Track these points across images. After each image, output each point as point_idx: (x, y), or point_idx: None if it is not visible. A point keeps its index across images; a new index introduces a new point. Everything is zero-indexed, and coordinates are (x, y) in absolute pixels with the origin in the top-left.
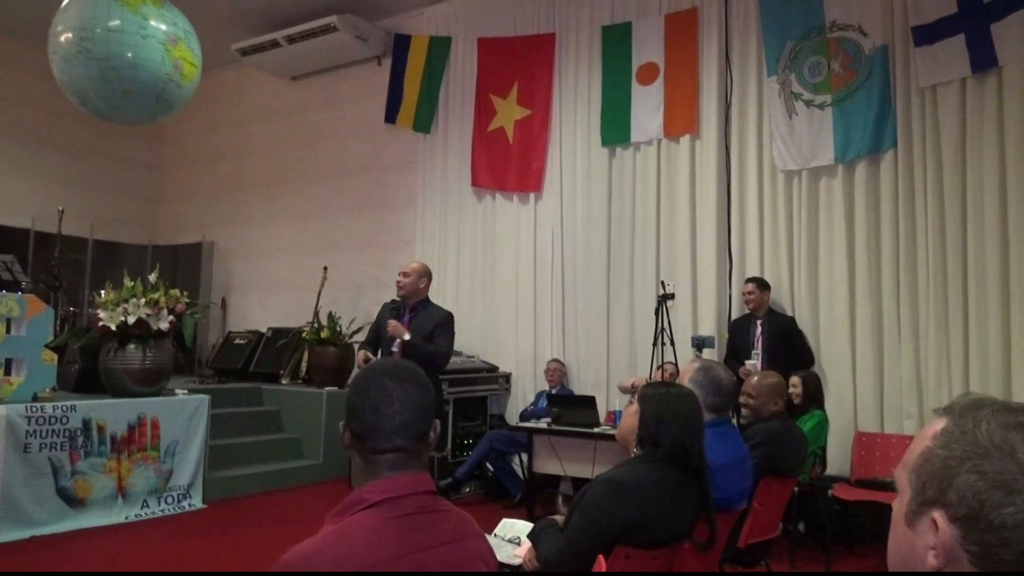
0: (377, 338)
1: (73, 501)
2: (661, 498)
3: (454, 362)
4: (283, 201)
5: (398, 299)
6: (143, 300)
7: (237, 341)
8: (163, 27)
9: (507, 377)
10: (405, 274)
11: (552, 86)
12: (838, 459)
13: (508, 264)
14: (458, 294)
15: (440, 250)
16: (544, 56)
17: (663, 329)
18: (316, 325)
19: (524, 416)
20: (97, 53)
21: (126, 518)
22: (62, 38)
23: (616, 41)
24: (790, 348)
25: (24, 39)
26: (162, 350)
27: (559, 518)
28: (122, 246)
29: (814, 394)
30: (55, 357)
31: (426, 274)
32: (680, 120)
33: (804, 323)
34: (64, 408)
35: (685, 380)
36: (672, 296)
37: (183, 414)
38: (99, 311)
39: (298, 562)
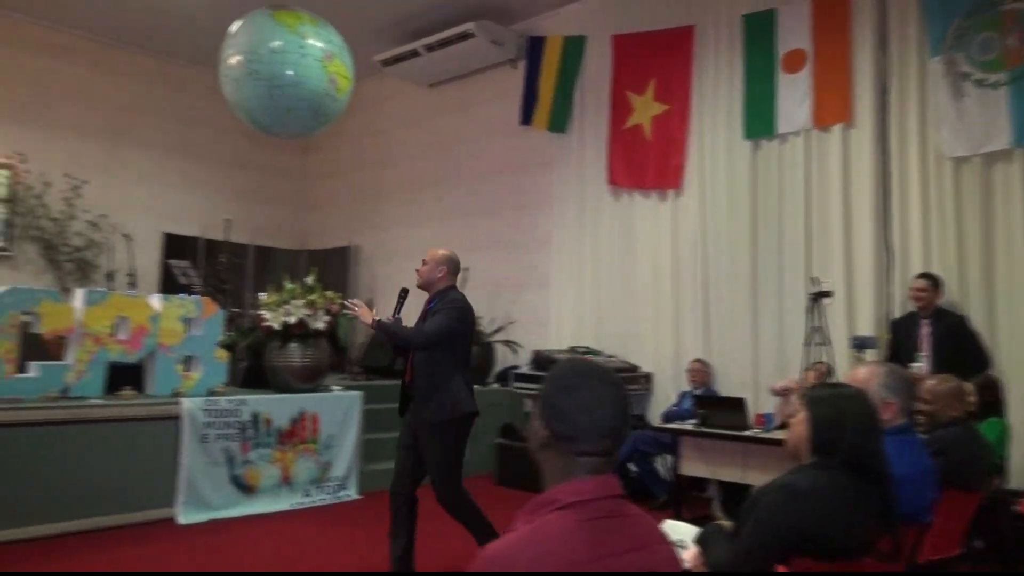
0: None
1: (244, 488)
2: (840, 507)
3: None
4: (422, 205)
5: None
6: (302, 301)
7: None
8: (319, 44)
9: (647, 377)
10: (424, 261)
11: (691, 79)
12: (1022, 471)
13: (647, 263)
14: (597, 294)
15: (577, 250)
16: (682, 49)
17: (817, 328)
18: None
19: (668, 417)
20: (263, 73)
21: (291, 505)
22: (232, 61)
23: (759, 29)
24: (961, 350)
25: (196, 64)
26: (319, 349)
27: (725, 523)
28: (276, 251)
29: (992, 400)
30: (226, 355)
31: (445, 262)
32: (831, 109)
33: (978, 323)
34: (236, 402)
35: (871, 385)
36: (829, 294)
37: (339, 409)
38: (264, 312)
39: (499, 560)
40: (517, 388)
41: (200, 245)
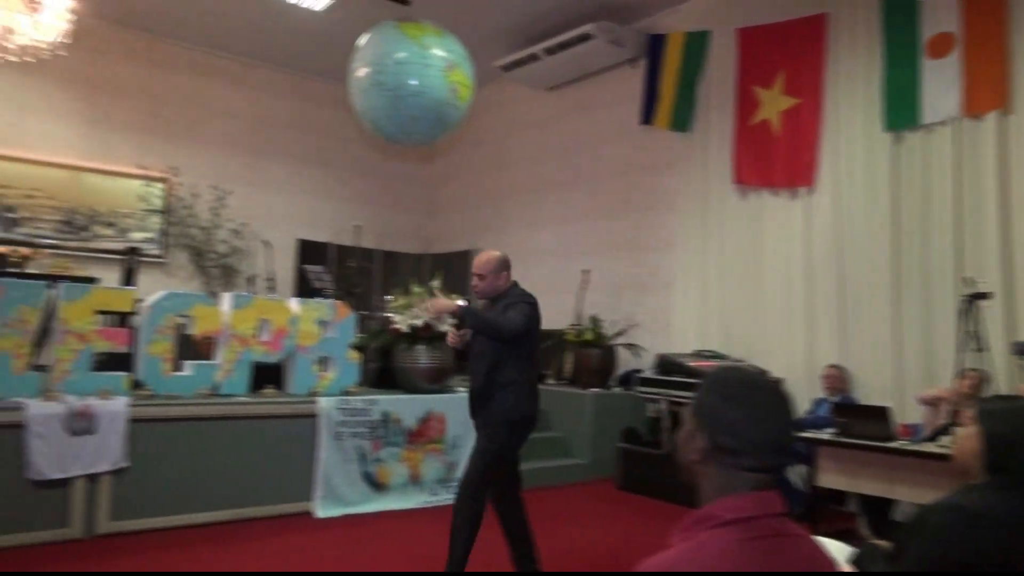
0: None
1: (376, 485)
2: (1019, 533)
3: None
4: (542, 208)
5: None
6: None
7: None
8: (442, 54)
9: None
10: (479, 276)
11: (823, 70)
12: None
13: (777, 264)
14: (722, 295)
15: (701, 251)
16: (814, 39)
17: (972, 333)
18: (579, 327)
19: (802, 425)
20: (388, 84)
21: (419, 503)
22: (359, 73)
23: (900, 13)
24: None
25: (326, 79)
26: (445, 351)
27: (882, 544)
28: (401, 255)
29: None
30: (358, 356)
31: (503, 267)
32: (984, 95)
33: None
34: (367, 402)
35: None
36: (987, 295)
37: (464, 410)
38: (393, 315)
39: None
40: (640, 392)
41: (331, 250)
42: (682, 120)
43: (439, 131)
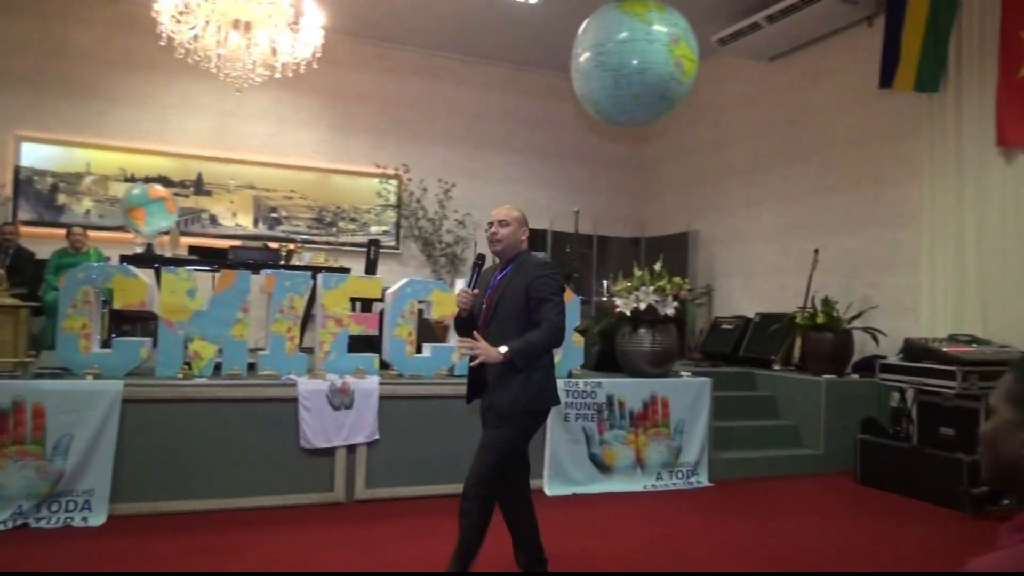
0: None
1: (602, 467)
2: None
3: (983, 352)
4: (764, 185)
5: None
6: (651, 288)
7: (724, 326)
8: (665, 29)
9: None
10: (502, 222)
11: None
12: None
13: None
14: (982, 275)
15: (956, 223)
16: None
17: None
18: (810, 310)
19: None
20: (610, 64)
21: (644, 487)
22: (581, 58)
23: None
24: None
25: (540, 70)
26: (668, 334)
27: None
28: (615, 240)
29: None
30: (582, 339)
31: (526, 221)
32: None
33: None
34: (593, 384)
35: None
36: None
37: (688, 395)
38: (615, 299)
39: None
40: (884, 380)
41: (548, 237)
42: (930, 79)
43: (662, 109)
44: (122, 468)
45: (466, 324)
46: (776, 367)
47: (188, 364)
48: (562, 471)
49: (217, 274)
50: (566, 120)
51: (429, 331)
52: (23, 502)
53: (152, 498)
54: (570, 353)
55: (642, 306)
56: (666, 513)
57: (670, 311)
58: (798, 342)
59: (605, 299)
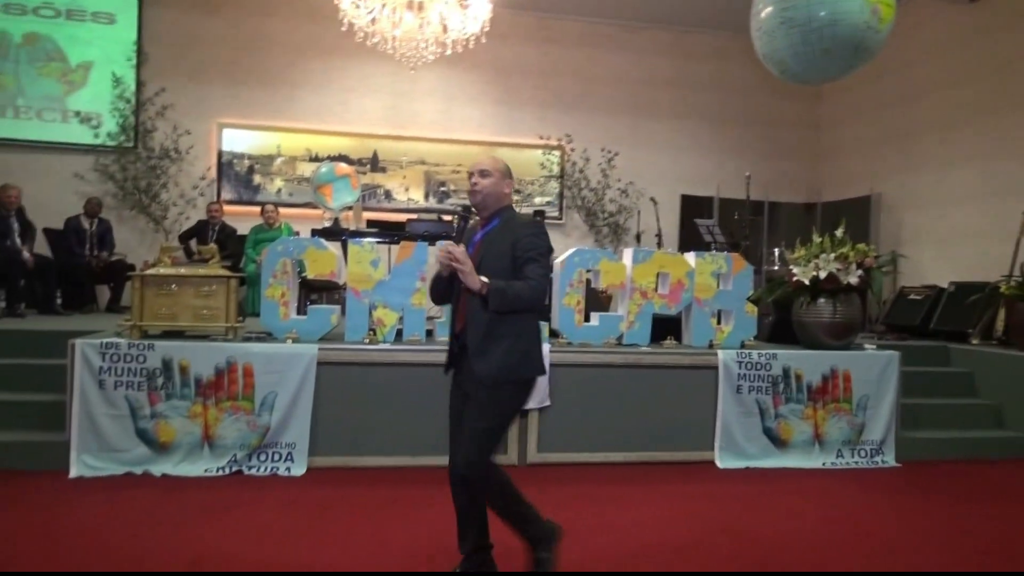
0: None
1: (777, 441)
2: None
3: None
4: (962, 142)
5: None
6: (832, 255)
7: (912, 296)
8: None
9: None
10: (483, 172)
11: None
12: None
13: None
14: None
15: None
16: None
17: None
18: (1017, 278)
19: None
20: (797, 20)
21: (823, 464)
22: (763, 14)
23: None
24: None
25: (704, 31)
26: (851, 305)
27: None
28: (786, 205)
29: None
30: (755, 309)
31: (510, 173)
32: None
33: None
34: (767, 356)
35: None
36: None
37: (873, 369)
38: (792, 267)
39: None
40: None
41: (715, 204)
42: None
43: (856, 61)
44: (318, 424)
45: (444, 288)
46: (974, 341)
47: (373, 330)
48: (734, 444)
49: (394, 246)
50: (733, 82)
51: (596, 300)
52: (237, 451)
53: (345, 452)
54: (742, 323)
55: (822, 274)
56: (849, 492)
57: (853, 280)
58: (1002, 314)
59: (776, 267)
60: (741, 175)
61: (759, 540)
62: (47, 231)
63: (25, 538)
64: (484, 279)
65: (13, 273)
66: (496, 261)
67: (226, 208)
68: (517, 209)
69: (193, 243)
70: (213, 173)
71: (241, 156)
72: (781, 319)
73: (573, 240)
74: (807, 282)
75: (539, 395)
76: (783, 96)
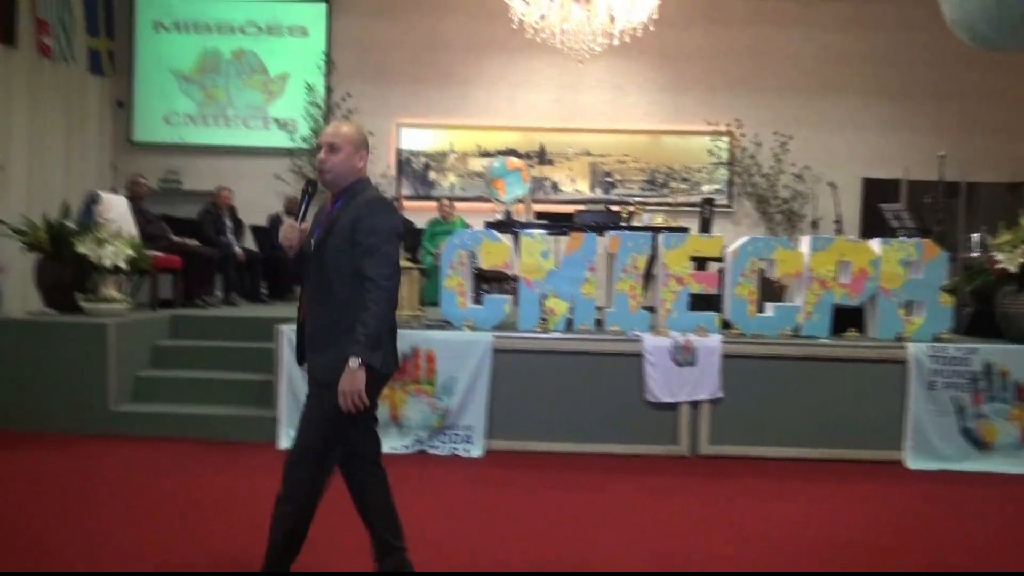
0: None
1: (977, 443)
2: None
3: None
4: None
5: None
6: None
7: None
8: None
9: None
10: (332, 147)
11: None
12: None
13: None
14: None
15: None
16: None
17: None
18: None
19: None
20: None
21: None
22: None
23: None
24: None
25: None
26: None
27: None
28: (986, 186)
29: None
30: (950, 300)
31: (365, 144)
32: None
33: None
34: (966, 350)
35: None
36: None
37: None
38: (995, 254)
39: None
40: None
41: (902, 187)
42: None
43: None
44: (494, 409)
45: (298, 267)
46: None
47: (544, 319)
48: (927, 444)
49: (561, 237)
50: (921, 53)
51: (771, 290)
52: (420, 432)
53: (519, 436)
54: (936, 315)
55: None
56: None
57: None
58: None
59: (977, 255)
60: (932, 155)
61: (947, 544)
62: (252, 227)
63: (235, 500)
64: (353, 363)
65: (228, 266)
66: (336, 250)
67: (405, 203)
68: (672, 198)
69: None
70: (393, 171)
71: (417, 154)
72: (982, 311)
73: (743, 228)
74: (1013, 269)
75: (710, 387)
76: (981, 67)
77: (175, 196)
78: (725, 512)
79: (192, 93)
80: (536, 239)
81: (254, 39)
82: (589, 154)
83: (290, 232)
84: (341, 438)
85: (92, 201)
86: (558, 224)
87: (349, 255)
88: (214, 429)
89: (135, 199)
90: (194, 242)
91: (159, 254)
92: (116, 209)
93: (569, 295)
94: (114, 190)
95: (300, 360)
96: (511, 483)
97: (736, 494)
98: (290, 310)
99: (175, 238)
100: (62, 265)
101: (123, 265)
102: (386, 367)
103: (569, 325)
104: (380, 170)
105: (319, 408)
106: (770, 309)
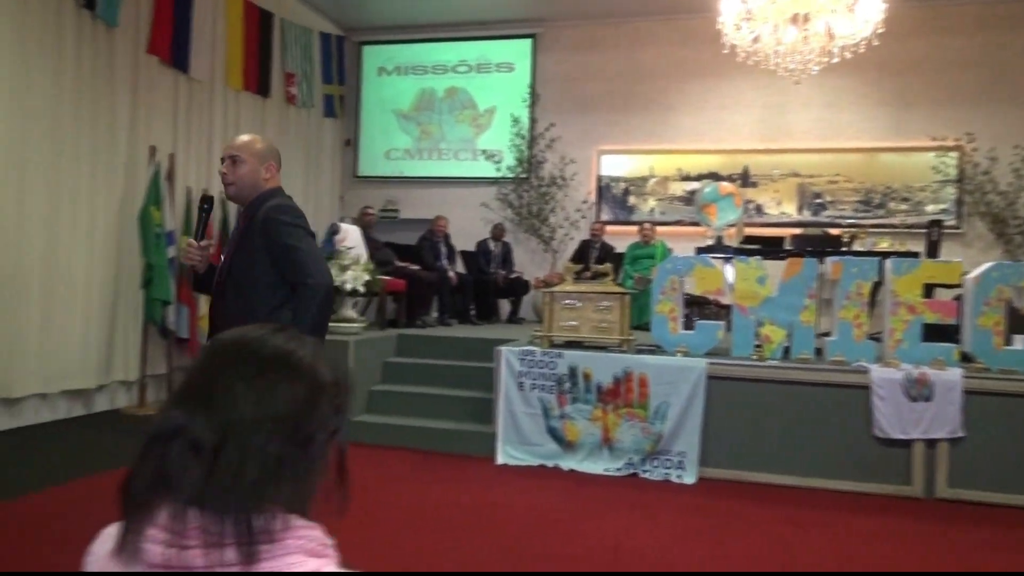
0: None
1: None
2: None
3: None
4: None
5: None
6: None
7: None
8: None
9: None
10: (235, 159)
11: None
12: None
13: None
14: None
15: None
16: None
17: None
18: None
19: None
20: None
21: None
22: None
23: None
24: None
25: None
26: None
27: None
28: None
29: None
30: None
31: (272, 155)
32: None
33: None
34: None
35: None
36: None
37: None
38: None
39: None
40: None
41: None
42: None
43: None
44: (708, 436)
45: (200, 287)
46: None
47: (759, 346)
48: None
49: (772, 262)
50: None
51: (1020, 320)
52: (633, 455)
53: (734, 466)
54: None
55: None
56: None
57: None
58: None
59: None
60: None
61: None
62: (462, 252)
63: (457, 510)
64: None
65: (443, 289)
66: (246, 264)
67: (605, 228)
68: (900, 219)
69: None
70: (593, 196)
71: (617, 179)
72: None
73: (975, 252)
74: None
75: (949, 424)
76: None
77: (392, 224)
78: (960, 562)
79: (409, 129)
80: (751, 265)
81: (465, 77)
82: (796, 175)
83: (189, 251)
84: None
85: (333, 232)
86: (774, 249)
87: (262, 272)
88: (439, 442)
89: (365, 228)
90: (415, 267)
91: (388, 278)
92: (352, 237)
93: (787, 322)
94: (341, 219)
95: None
96: (732, 513)
97: (974, 543)
98: (500, 331)
99: (399, 263)
100: None
101: (361, 288)
102: None
103: (786, 353)
104: (581, 196)
105: None
106: (1019, 342)
